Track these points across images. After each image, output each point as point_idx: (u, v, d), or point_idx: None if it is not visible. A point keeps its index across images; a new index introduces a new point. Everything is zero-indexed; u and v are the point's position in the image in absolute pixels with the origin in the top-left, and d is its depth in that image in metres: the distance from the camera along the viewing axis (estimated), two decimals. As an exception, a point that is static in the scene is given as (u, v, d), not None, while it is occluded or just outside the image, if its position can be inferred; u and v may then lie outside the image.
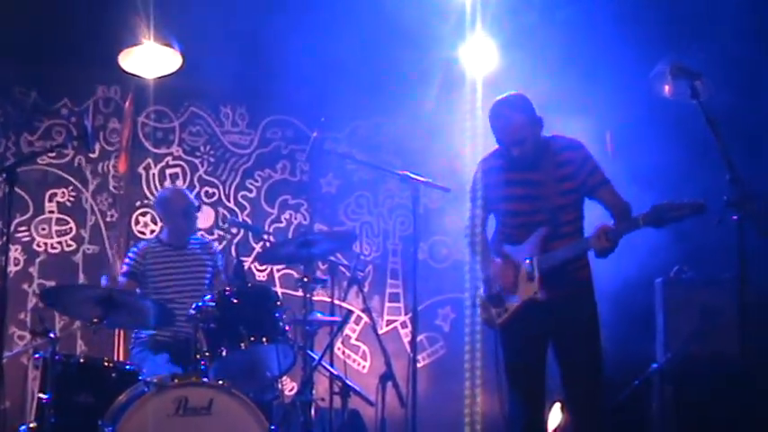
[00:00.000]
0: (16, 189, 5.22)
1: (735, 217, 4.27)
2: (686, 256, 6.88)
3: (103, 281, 5.90)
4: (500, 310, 5.05)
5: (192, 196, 6.58)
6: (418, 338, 6.80)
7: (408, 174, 5.36)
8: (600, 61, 7.17)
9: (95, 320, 5.29)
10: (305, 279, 5.93)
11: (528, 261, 4.95)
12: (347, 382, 6.11)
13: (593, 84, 7.04)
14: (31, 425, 5.26)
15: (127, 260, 6.36)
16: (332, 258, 6.65)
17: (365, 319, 7.44)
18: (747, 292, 4.42)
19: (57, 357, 5.20)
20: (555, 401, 6.42)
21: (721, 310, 6.38)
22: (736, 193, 4.25)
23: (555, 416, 6.55)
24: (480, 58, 7.45)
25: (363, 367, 7.81)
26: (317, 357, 5.88)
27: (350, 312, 6.76)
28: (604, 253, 4.81)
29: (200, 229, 7.48)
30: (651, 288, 6.81)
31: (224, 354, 5.31)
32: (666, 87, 4.99)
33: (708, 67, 4.82)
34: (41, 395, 5.21)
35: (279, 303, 5.62)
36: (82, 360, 5.49)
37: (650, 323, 6.76)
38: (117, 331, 6.95)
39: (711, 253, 6.65)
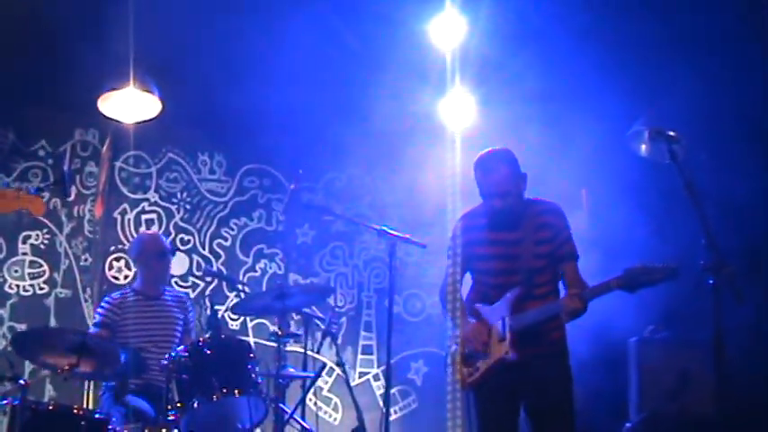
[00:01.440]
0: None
1: (711, 281, 4.29)
2: (660, 315, 6.89)
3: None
4: (471, 369, 5.02)
5: (167, 242, 6.55)
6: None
7: (386, 229, 5.35)
8: (577, 119, 7.22)
9: (66, 368, 5.23)
10: (279, 333, 5.89)
11: (499, 321, 4.95)
12: (319, 436, 6.07)
13: (571, 141, 7.08)
14: (-2, 473, 5.19)
15: (100, 310, 6.28)
16: (306, 310, 6.63)
17: (337, 370, 7.40)
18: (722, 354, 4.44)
19: (25, 404, 5.12)
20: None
21: (695, 371, 6.40)
22: (712, 257, 4.27)
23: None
24: (459, 114, 7.50)
25: (335, 419, 7.75)
26: (288, 411, 5.84)
27: (323, 366, 6.71)
28: (574, 314, 4.80)
29: (173, 276, 7.46)
30: (625, 347, 6.82)
31: (196, 405, 5.25)
32: (643, 147, 5.00)
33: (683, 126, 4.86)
34: (8, 442, 5.13)
35: (252, 356, 5.58)
36: (51, 407, 5.41)
37: (624, 382, 6.76)
38: (87, 377, 6.87)
39: (685, 313, 6.69)
